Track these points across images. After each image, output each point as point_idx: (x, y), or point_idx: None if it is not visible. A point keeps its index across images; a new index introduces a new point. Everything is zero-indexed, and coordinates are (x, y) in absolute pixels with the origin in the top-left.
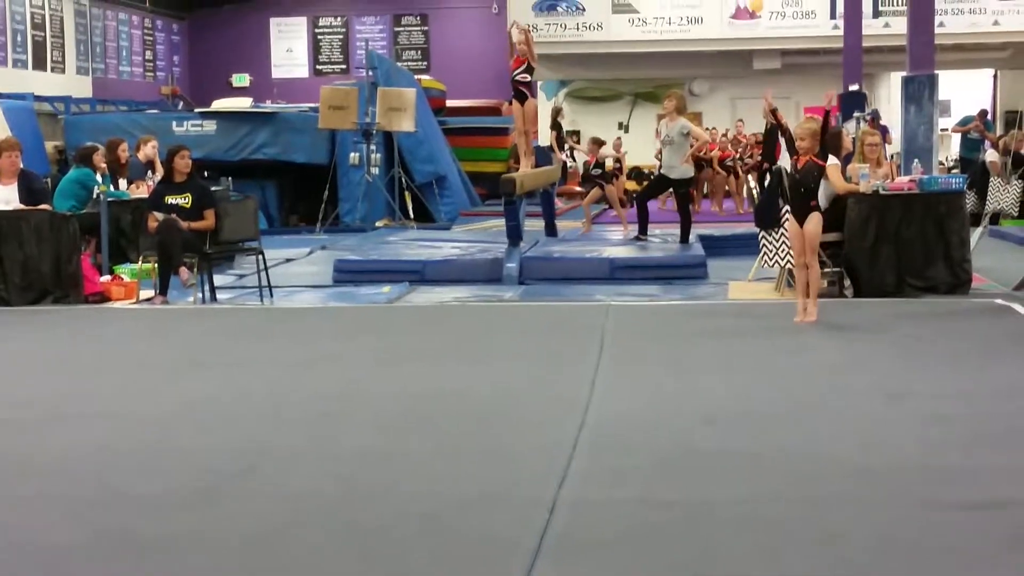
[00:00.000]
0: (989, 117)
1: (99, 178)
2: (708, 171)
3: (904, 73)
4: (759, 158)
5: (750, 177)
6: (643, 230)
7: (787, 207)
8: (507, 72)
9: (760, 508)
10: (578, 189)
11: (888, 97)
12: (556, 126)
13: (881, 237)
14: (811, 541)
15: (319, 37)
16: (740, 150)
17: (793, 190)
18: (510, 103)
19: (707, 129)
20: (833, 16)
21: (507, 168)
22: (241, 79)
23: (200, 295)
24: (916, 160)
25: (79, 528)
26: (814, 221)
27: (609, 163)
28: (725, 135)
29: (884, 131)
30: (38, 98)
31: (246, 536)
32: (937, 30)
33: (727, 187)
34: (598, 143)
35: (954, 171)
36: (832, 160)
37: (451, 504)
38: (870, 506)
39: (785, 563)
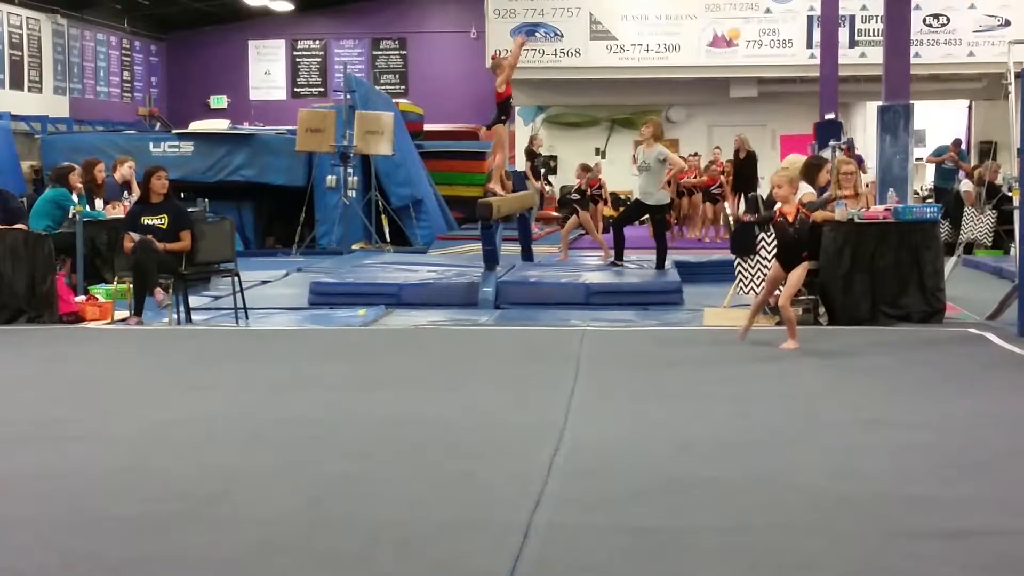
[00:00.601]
0: (964, 147)
1: (75, 198)
2: (686, 198)
3: (880, 102)
4: (730, 186)
5: (727, 204)
6: (619, 256)
7: (762, 235)
8: (488, 96)
9: (734, 536)
10: (555, 214)
11: (864, 126)
12: (531, 155)
13: (856, 265)
14: (785, 569)
15: (297, 60)
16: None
17: (786, 242)
18: (488, 128)
19: (690, 155)
20: (810, 45)
21: (484, 192)
22: (219, 101)
23: (175, 316)
24: (891, 189)
25: (48, 552)
26: (801, 268)
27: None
28: (714, 162)
29: (859, 160)
30: (15, 118)
31: (219, 560)
32: (913, 60)
33: (711, 215)
34: (586, 169)
35: (929, 200)
36: (806, 188)
37: (425, 529)
38: (844, 534)
39: None
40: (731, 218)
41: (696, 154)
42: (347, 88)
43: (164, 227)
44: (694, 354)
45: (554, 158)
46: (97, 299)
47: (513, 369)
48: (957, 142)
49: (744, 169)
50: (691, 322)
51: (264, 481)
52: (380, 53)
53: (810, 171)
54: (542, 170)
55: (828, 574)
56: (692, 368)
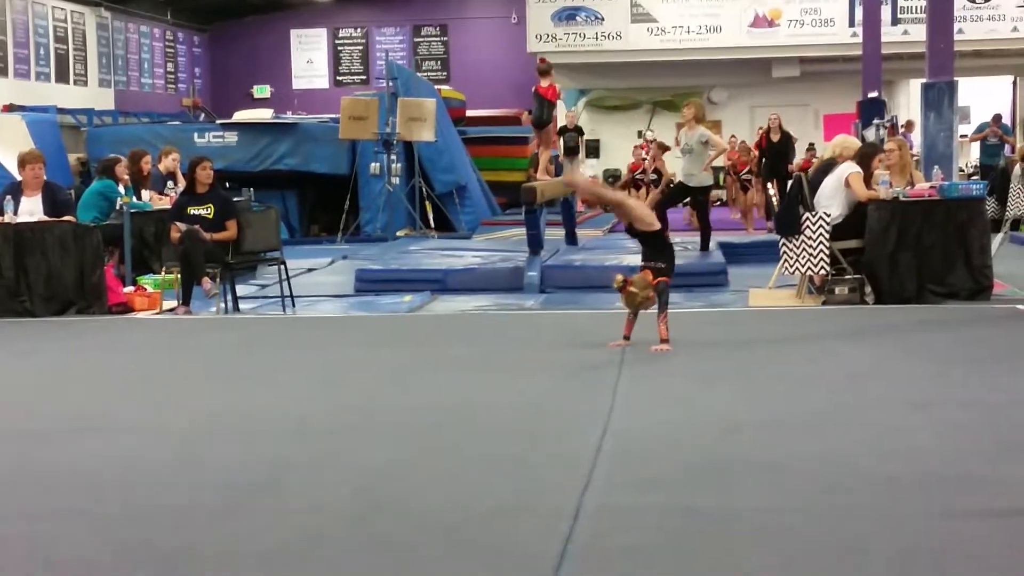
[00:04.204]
0: (1007, 122)
1: (121, 189)
2: (728, 179)
3: (923, 80)
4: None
5: (770, 185)
6: None
7: (807, 215)
8: (529, 81)
9: (783, 517)
10: None
11: (907, 104)
12: (562, 131)
13: (902, 244)
14: (834, 550)
15: (339, 48)
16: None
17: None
18: (529, 112)
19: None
20: (852, 24)
21: (527, 177)
22: (262, 90)
23: (223, 305)
24: (936, 167)
25: (102, 542)
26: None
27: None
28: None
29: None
30: (61, 111)
31: (269, 550)
32: (956, 37)
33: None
34: (663, 148)
35: (974, 178)
36: (854, 167)
37: (474, 515)
38: (893, 515)
39: (807, 573)
40: (774, 199)
41: (732, 137)
42: (389, 75)
43: (210, 217)
44: (740, 335)
45: (596, 141)
46: (145, 289)
47: (559, 353)
48: (997, 117)
49: (776, 152)
50: (736, 303)
51: (312, 469)
52: (421, 40)
53: (864, 159)
54: (581, 145)
55: (877, 555)
56: (738, 349)
